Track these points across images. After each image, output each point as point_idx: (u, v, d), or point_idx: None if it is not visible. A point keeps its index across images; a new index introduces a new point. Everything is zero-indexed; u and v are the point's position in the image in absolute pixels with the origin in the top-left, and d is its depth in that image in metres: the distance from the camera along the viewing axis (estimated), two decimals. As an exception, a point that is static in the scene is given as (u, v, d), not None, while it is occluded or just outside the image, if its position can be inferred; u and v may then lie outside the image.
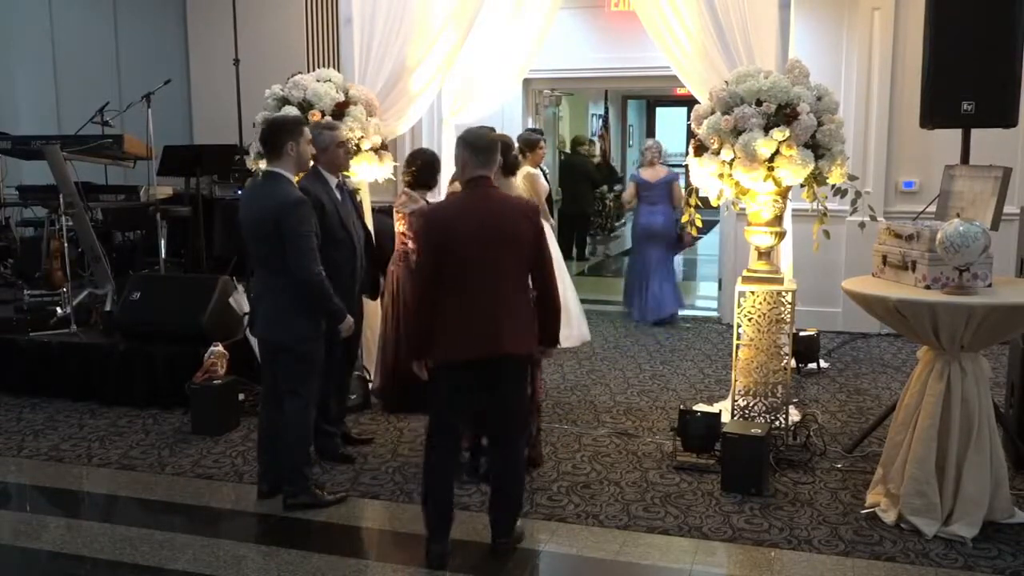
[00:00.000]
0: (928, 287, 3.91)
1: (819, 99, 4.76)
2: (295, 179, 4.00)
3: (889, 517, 4.02)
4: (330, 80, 5.64)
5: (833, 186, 4.88)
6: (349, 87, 5.74)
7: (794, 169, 4.62)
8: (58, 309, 6.37)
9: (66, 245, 6.32)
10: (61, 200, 6.19)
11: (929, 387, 3.95)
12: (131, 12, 9.78)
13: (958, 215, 3.97)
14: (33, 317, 6.38)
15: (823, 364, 6.71)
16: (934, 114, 4.70)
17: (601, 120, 16.48)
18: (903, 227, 4.09)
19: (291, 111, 5.53)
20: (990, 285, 3.93)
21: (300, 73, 5.77)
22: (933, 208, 4.82)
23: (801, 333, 6.67)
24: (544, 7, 6.83)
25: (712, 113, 4.85)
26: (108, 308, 6.27)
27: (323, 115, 5.52)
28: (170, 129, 8.78)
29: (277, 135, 3.99)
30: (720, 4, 5.23)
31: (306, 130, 4.06)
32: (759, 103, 4.66)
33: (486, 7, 6.91)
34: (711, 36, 5.28)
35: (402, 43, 6.00)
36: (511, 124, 8.54)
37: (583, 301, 7.35)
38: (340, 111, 5.57)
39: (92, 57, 9.69)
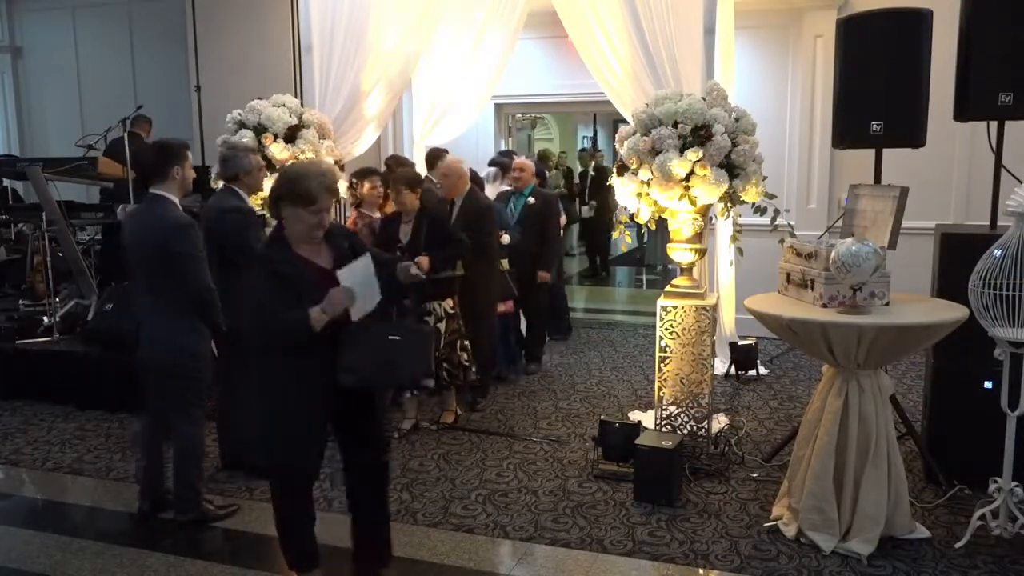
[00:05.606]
0: (825, 305, 3.51)
1: (737, 120, 4.37)
2: (178, 200, 3.62)
3: (790, 531, 3.62)
4: (284, 105, 5.33)
5: (753, 204, 4.51)
6: (304, 111, 5.43)
7: (708, 188, 4.24)
8: (44, 319, 6.10)
9: (48, 259, 6.03)
10: (44, 217, 5.91)
11: (828, 403, 3.54)
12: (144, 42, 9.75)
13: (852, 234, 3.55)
14: (22, 326, 6.13)
15: (762, 371, 6.29)
16: (844, 135, 4.29)
17: (590, 141, 16.16)
18: (804, 246, 3.69)
19: (247, 134, 5.23)
20: (887, 303, 3.51)
21: (260, 98, 5.47)
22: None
23: (740, 342, 6.28)
24: (504, 39, 6.51)
25: (634, 134, 4.49)
26: (90, 318, 5.98)
27: (275, 138, 5.23)
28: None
29: (163, 159, 3.59)
30: (648, 30, 4.90)
31: (189, 154, 3.68)
32: (676, 125, 4.29)
33: (450, 39, 6.61)
34: (640, 61, 4.94)
35: (357, 69, 5.70)
36: (485, 146, 8.25)
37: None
38: (292, 134, 5.27)
39: (111, 85, 9.77)
